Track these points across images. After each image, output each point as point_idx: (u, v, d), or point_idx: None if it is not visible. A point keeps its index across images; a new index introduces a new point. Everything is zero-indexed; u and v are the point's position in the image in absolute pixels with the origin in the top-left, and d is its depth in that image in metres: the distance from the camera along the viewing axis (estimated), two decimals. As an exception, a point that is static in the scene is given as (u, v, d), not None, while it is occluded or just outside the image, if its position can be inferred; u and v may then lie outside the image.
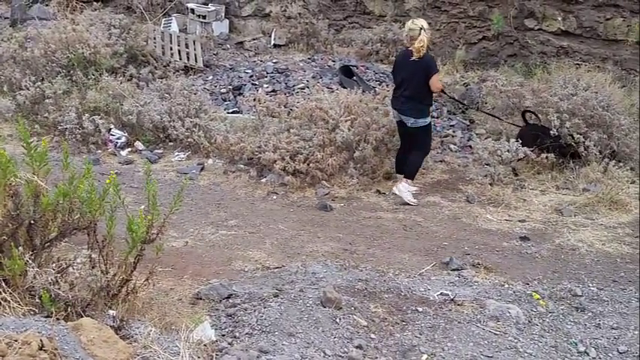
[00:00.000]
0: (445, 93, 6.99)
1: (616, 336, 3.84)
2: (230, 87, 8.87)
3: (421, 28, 5.98)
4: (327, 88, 7.77)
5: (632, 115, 7.53)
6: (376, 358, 3.40)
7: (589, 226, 5.54)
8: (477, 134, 7.79)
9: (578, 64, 9.17)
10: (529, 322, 3.94)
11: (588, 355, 3.64)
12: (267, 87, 8.51)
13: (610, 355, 3.66)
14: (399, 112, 6.20)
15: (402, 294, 4.22)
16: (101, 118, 7.43)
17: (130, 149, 7.53)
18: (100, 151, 7.37)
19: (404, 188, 6.14)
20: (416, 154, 6.26)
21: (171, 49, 10.55)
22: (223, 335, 3.53)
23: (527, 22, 9.95)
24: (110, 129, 7.57)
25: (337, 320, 3.68)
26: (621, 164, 6.39)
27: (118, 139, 7.54)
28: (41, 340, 2.37)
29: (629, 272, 4.69)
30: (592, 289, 4.41)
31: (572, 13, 9.63)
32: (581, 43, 9.63)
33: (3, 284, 2.85)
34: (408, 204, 6.07)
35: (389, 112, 6.60)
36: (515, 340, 3.71)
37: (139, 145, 7.57)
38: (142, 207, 5.51)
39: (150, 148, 7.58)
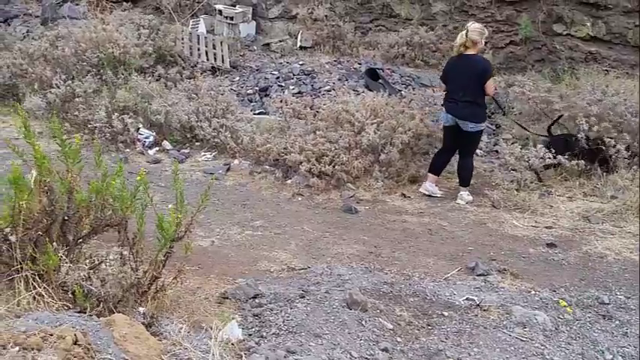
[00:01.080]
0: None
1: (644, 345, 3.80)
2: (256, 88, 8.95)
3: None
4: (353, 90, 7.80)
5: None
6: (402, 361, 3.41)
7: (617, 234, 5.48)
8: (503, 139, 7.73)
9: (606, 71, 9.09)
10: (556, 329, 3.92)
11: (616, 363, 3.61)
12: (294, 89, 8.56)
13: (638, 364, 3.62)
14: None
15: (428, 298, 4.22)
16: (130, 117, 7.54)
17: (157, 148, 7.63)
18: (128, 149, 7.47)
19: (466, 196, 6.33)
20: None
21: (198, 49, 10.66)
22: (250, 335, 3.56)
23: (556, 27, 9.88)
24: (139, 128, 7.68)
25: (363, 323, 3.69)
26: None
27: (147, 138, 7.64)
28: (75, 335, 2.42)
29: (658, 281, 4.64)
30: (619, 297, 4.37)
31: (601, 19, 9.55)
32: (610, 49, 9.54)
33: (37, 279, 2.91)
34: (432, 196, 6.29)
35: (415, 116, 6.60)
36: (542, 347, 3.69)
37: (166, 144, 7.66)
38: (170, 205, 5.64)
39: (177, 147, 7.67)
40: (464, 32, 6.06)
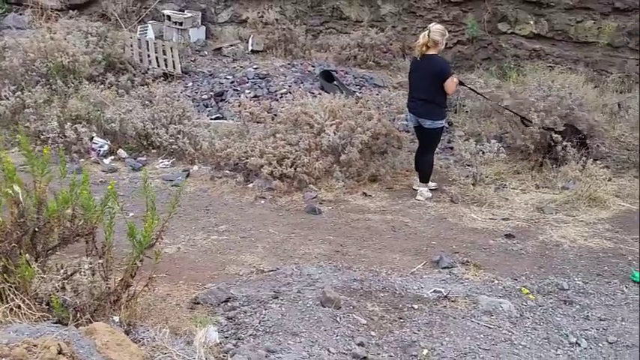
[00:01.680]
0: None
1: (604, 327, 4.00)
2: (211, 93, 8.91)
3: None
4: (310, 93, 7.86)
5: (605, 114, 7.79)
6: (378, 354, 3.50)
7: (570, 223, 5.71)
8: (457, 136, 7.95)
9: (551, 67, 9.43)
10: (521, 315, 4.08)
11: (580, 345, 3.78)
12: (250, 93, 8.57)
13: (600, 345, 3.81)
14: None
15: (397, 292, 4.32)
16: (83, 127, 7.40)
17: (113, 157, 7.51)
18: (82, 159, 7.34)
19: (426, 192, 6.44)
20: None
21: (148, 56, 10.54)
22: (227, 337, 3.58)
23: (501, 25, 10.18)
24: (92, 137, 7.54)
25: (338, 319, 3.77)
26: (598, 162, 6.59)
27: (101, 147, 7.52)
28: (59, 345, 2.40)
29: (612, 266, 4.86)
30: (578, 282, 4.57)
31: (543, 17, 9.90)
32: (553, 46, 9.90)
33: (15, 291, 2.86)
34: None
35: (373, 116, 6.72)
36: (510, 333, 3.84)
37: (122, 152, 7.56)
38: (131, 214, 5.59)
39: (133, 155, 7.57)
40: (426, 32, 6.18)
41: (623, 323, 4.04)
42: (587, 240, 5.34)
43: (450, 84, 6.20)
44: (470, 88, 7.22)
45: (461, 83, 6.68)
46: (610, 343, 3.82)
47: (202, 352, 2.83)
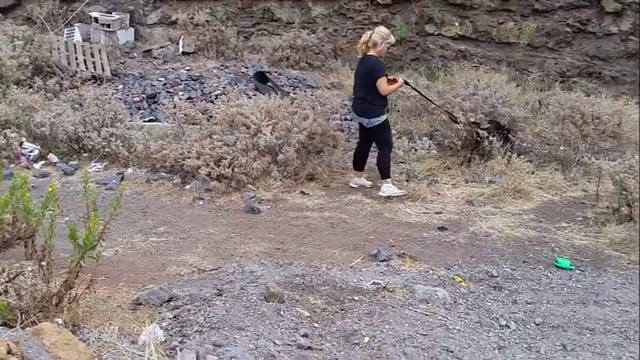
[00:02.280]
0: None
1: (532, 310, 4.26)
2: (143, 95, 8.83)
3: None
4: (245, 94, 7.92)
5: (527, 111, 8.19)
6: (322, 344, 3.61)
7: (497, 214, 6.01)
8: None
9: (476, 67, 9.84)
10: (454, 302, 4.29)
11: (509, 328, 4.01)
12: (183, 94, 8.55)
13: (528, 326, 4.05)
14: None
15: (338, 285, 4.45)
16: (12, 132, 7.20)
17: (43, 162, 7.35)
18: (12, 165, 7.13)
19: (386, 187, 6.49)
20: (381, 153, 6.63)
21: (76, 59, 10.35)
22: (172, 335, 3.61)
23: (428, 27, 10.55)
24: (22, 142, 7.35)
25: (281, 313, 3.86)
26: (521, 157, 6.95)
27: (31, 152, 7.34)
28: (8, 345, 2.40)
29: (537, 253, 5.16)
30: (506, 269, 4.84)
31: (467, 19, 10.32)
32: (478, 47, 10.34)
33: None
34: (392, 197, 6.45)
35: (308, 116, 6.85)
36: (445, 319, 4.04)
37: (52, 157, 7.40)
38: (66, 218, 5.49)
39: (64, 159, 7.42)
40: (370, 32, 6.39)
41: (549, 306, 4.31)
42: (514, 230, 5.64)
43: (382, 85, 6.33)
44: (413, 88, 7.33)
45: (406, 83, 6.83)
46: (537, 324, 4.07)
47: (153, 348, 2.86)
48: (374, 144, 6.80)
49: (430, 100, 7.36)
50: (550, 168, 7.15)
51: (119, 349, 2.92)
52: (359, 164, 6.85)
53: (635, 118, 7.51)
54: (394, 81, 6.56)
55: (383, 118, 6.52)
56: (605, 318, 4.15)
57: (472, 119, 7.02)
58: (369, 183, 6.78)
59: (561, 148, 7.32)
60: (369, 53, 6.40)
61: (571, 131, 7.08)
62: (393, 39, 6.55)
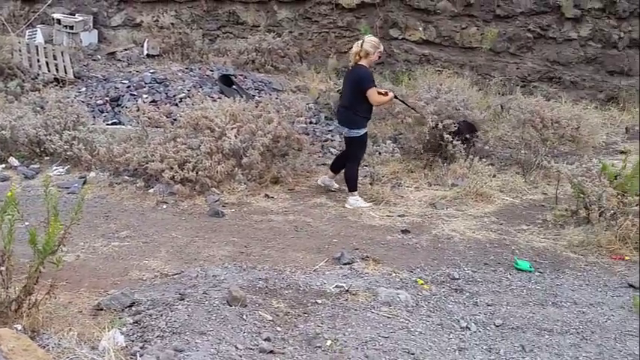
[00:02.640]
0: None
1: (492, 311, 4.33)
2: (107, 98, 8.73)
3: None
4: (209, 97, 7.88)
5: (489, 115, 8.34)
6: (284, 347, 3.62)
7: (460, 217, 6.10)
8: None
9: (439, 71, 9.97)
10: (416, 304, 4.34)
11: (470, 329, 4.08)
12: (147, 97, 8.47)
13: (488, 328, 4.12)
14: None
15: (301, 289, 4.47)
16: (-29, 135, 7.06)
17: (3, 166, 7.21)
18: (-30, 169, 6.99)
19: (352, 200, 6.41)
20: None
21: (38, 61, 10.18)
22: (133, 341, 3.59)
23: (392, 31, 10.65)
24: (-20, 145, 7.21)
25: (244, 317, 3.86)
26: (483, 160, 7.07)
27: (-10, 155, 7.20)
28: (-37, 353, 2.36)
29: (498, 255, 5.25)
30: (467, 272, 4.91)
31: (431, 23, 10.46)
32: (441, 51, 10.48)
33: None
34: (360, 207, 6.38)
35: (273, 119, 6.85)
36: (407, 321, 4.08)
37: (13, 161, 7.27)
38: (26, 223, 5.40)
39: (25, 163, 7.30)
40: (360, 42, 6.29)
41: (509, 307, 4.39)
42: (475, 232, 5.73)
43: (372, 95, 6.25)
44: (402, 102, 7.18)
45: (396, 97, 6.73)
46: (497, 326, 4.14)
47: (112, 354, 2.83)
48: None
49: (420, 113, 7.27)
50: (511, 171, 7.27)
51: (78, 355, 2.89)
52: (336, 167, 6.78)
53: (593, 122, 7.70)
54: (385, 94, 6.47)
55: (363, 131, 6.40)
56: (563, 319, 4.24)
57: (440, 125, 7.10)
58: (336, 186, 6.78)
59: (522, 151, 7.46)
60: (360, 63, 6.30)
61: (531, 135, 7.23)
62: (382, 48, 6.50)
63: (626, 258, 5.17)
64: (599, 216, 5.40)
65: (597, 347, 3.92)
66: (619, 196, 5.37)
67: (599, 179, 5.49)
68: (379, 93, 6.37)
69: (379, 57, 6.63)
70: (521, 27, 10.12)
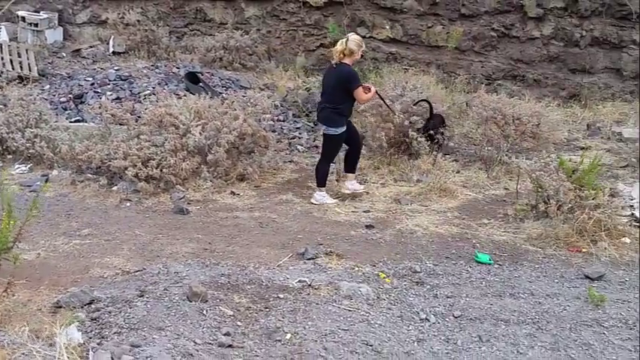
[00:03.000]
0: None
1: (451, 303, 4.40)
2: (70, 96, 8.62)
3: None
4: (175, 94, 7.84)
5: (455, 112, 8.44)
6: (244, 342, 3.64)
7: (423, 212, 6.17)
8: (321, 135, 8.24)
9: (406, 69, 10.05)
10: (377, 297, 4.39)
11: (429, 321, 4.14)
12: (111, 94, 8.39)
13: (447, 319, 4.19)
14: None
15: (264, 284, 4.49)
16: None
17: (-37, 164, 7.09)
18: None
19: (319, 196, 6.42)
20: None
21: (2, 58, 10.02)
22: (90, 338, 3.57)
23: (360, 30, 10.67)
24: (-60, 144, 7.07)
25: (204, 312, 3.87)
26: (448, 156, 7.14)
27: (-50, 153, 7.07)
28: None
29: (459, 249, 5.33)
30: (429, 265, 4.98)
31: (398, 22, 10.53)
32: (408, 49, 10.56)
33: None
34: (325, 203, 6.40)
35: (239, 116, 6.84)
36: (367, 314, 4.13)
37: (-27, 159, 7.15)
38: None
39: (-14, 162, 7.19)
40: (344, 40, 6.26)
41: (468, 299, 4.47)
42: (438, 227, 5.80)
43: (360, 94, 6.26)
44: (381, 98, 7.02)
45: (376, 92, 6.68)
46: (455, 317, 4.21)
47: (64, 350, 2.82)
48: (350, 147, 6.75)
49: (392, 111, 7.27)
50: (475, 167, 7.37)
51: (31, 350, 2.87)
52: (349, 167, 6.76)
53: (553, 119, 7.84)
54: (368, 90, 6.44)
55: (341, 130, 6.37)
56: (520, 309, 4.33)
57: (407, 122, 7.16)
58: (361, 187, 6.70)
59: (487, 148, 7.56)
60: (344, 61, 6.24)
61: (494, 132, 7.33)
62: (364, 47, 6.52)
63: (583, 250, 5.28)
64: (557, 210, 5.51)
65: (552, 337, 4.02)
66: (576, 190, 5.48)
67: (557, 174, 5.60)
68: (363, 89, 6.36)
69: (362, 55, 6.64)
70: (486, 26, 10.24)
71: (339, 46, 6.28)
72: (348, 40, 6.27)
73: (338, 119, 6.35)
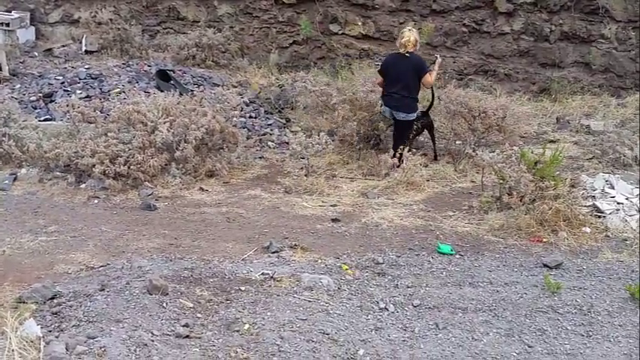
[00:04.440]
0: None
1: (411, 293, 4.48)
2: (40, 94, 8.60)
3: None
4: (145, 92, 7.85)
5: (424, 108, 8.51)
6: (202, 333, 3.69)
7: (390, 205, 6.24)
8: (292, 131, 8.29)
9: (377, 64, 10.11)
10: (338, 288, 4.46)
11: (388, 310, 4.22)
12: (81, 93, 8.37)
13: (406, 308, 4.27)
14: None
15: (227, 277, 4.53)
16: None
17: None
18: None
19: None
20: None
21: (-29, 57, 9.93)
22: (50, 331, 3.60)
23: (332, 27, 10.76)
24: None
25: (164, 305, 3.91)
26: (418, 150, 7.22)
27: None
28: None
29: (422, 240, 5.41)
30: (391, 256, 5.05)
31: (370, 18, 10.60)
32: (380, 46, 10.63)
33: None
34: None
35: (207, 113, 6.87)
36: (327, 305, 4.19)
37: (-59, 159, 7.10)
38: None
39: (-46, 161, 7.14)
40: (411, 31, 6.97)
41: (427, 289, 4.54)
42: (403, 219, 5.88)
43: (429, 78, 6.96)
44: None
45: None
46: (415, 306, 4.29)
47: (14, 340, 2.85)
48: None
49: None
50: (443, 161, 7.47)
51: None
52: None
53: (519, 112, 7.96)
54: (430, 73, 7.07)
55: (416, 114, 7.05)
56: (478, 298, 4.42)
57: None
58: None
59: (457, 142, 7.66)
60: (410, 50, 6.88)
61: (461, 126, 7.42)
62: None
63: (544, 240, 5.39)
64: (519, 201, 5.61)
65: (508, 323, 4.11)
66: (537, 182, 5.58)
67: (518, 166, 5.70)
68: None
69: None
70: (457, 22, 10.34)
71: (411, 37, 6.89)
72: (412, 30, 6.98)
73: (415, 105, 7.06)
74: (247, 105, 8.89)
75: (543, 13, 10.03)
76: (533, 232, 5.45)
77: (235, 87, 9.75)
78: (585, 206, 5.96)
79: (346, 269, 4.79)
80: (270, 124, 8.80)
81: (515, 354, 3.79)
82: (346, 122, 7.56)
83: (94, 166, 6.32)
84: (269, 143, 8.19)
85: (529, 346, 3.86)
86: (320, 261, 4.93)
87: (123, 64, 9.62)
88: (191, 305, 3.99)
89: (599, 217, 5.81)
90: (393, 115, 7.06)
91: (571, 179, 5.95)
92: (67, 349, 3.08)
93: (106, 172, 6.32)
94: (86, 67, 9.43)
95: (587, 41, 9.86)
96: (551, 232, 5.46)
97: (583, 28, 9.81)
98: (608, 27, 9.64)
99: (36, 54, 11.14)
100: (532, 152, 5.98)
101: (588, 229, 5.57)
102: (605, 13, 9.62)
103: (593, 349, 3.86)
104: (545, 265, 4.94)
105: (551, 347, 3.87)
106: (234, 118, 7.55)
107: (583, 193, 6.16)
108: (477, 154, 6.51)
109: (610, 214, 5.77)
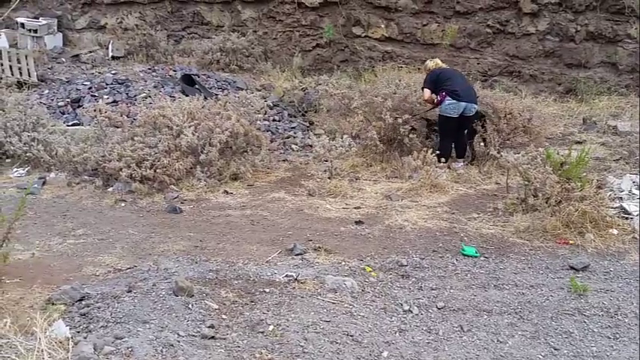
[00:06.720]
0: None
1: (435, 295, 4.46)
2: (68, 100, 8.76)
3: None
4: (170, 96, 7.95)
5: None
6: (227, 334, 3.72)
7: (413, 208, 6.23)
8: (315, 134, 8.34)
9: (400, 67, 10.11)
10: (362, 290, 4.46)
11: (412, 312, 4.21)
12: (108, 98, 8.51)
13: (430, 310, 4.25)
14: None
15: (251, 279, 4.56)
16: None
17: (-38, 168, 7.22)
18: None
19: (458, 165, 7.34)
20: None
21: (1, 64, 10.16)
22: (78, 332, 3.66)
23: (355, 29, 10.78)
24: (-60, 148, 7.21)
25: (190, 306, 3.95)
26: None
27: (-51, 158, 7.20)
28: None
29: (446, 242, 5.39)
30: (415, 259, 5.04)
31: (393, 21, 10.60)
32: (403, 48, 10.63)
33: None
34: None
35: (231, 117, 6.93)
36: (351, 306, 4.20)
37: (-27, 163, 7.28)
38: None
39: (-15, 166, 7.32)
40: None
41: (452, 291, 4.53)
42: (427, 222, 5.86)
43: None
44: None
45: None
46: (439, 308, 4.28)
47: (44, 340, 2.91)
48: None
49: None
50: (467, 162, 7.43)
51: (12, 342, 2.96)
52: (461, 150, 7.51)
53: (545, 114, 7.89)
54: None
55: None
56: (503, 300, 4.39)
57: (400, 120, 7.24)
58: (461, 164, 7.38)
59: (480, 143, 7.62)
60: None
61: (486, 127, 7.37)
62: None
63: (570, 242, 5.33)
64: (545, 202, 5.56)
65: (533, 326, 4.07)
66: (563, 183, 5.52)
67: (544, 167, 5.65)
68: None
69: None
70: (481, 23, 10.30)
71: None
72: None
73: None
74: (271, 108, 8.95)
75: (568, 13, 9.94)
76: (559, 234, 5.40)
77: (259, 90, 9.83)
78: (612, 208, 5.88)
79: (370, 271, 4.79)
80: (293, 127, 8.85)
81: (540, 356, 3.76)
82: (367, 126, 7.57)
83: (120, 169, 6.42)
84: (292, 146, 8.24)
85: (555, 349, 3.83)
86: (344, 263, 4.94)
87: (149, 69, 9.75)
88: (216, 307, 4.03)
89: (627, 218, 5.73)
90: (465, 110, 7.15)
91: (597, 180, 5.86)
92: (94, 350, 3.14)
93: (133, 175, 6.42)
94: (113, 72, 9.59)
95: (613, 41, 9.74)
96: (578, 234, 5.40)
97: (609, 28, 9.69)
98: (635, 26, 9.51)
99: (63, 60, 11.35)
100: (558, 153, 5.91)
101: (615, 231, 5.50)
102: (631, 13, 9.49)
103: (619, 352, 3.81)
104: (571, 268, 4.88)
105: (578, 350, 3.83)
106: (258, 122, 7.61)
107: (610, 195, 6.08)
108: (501, 156, 6.45)
109: (637, 215, 5.68)
